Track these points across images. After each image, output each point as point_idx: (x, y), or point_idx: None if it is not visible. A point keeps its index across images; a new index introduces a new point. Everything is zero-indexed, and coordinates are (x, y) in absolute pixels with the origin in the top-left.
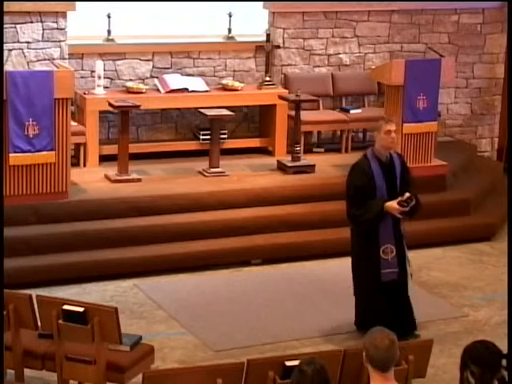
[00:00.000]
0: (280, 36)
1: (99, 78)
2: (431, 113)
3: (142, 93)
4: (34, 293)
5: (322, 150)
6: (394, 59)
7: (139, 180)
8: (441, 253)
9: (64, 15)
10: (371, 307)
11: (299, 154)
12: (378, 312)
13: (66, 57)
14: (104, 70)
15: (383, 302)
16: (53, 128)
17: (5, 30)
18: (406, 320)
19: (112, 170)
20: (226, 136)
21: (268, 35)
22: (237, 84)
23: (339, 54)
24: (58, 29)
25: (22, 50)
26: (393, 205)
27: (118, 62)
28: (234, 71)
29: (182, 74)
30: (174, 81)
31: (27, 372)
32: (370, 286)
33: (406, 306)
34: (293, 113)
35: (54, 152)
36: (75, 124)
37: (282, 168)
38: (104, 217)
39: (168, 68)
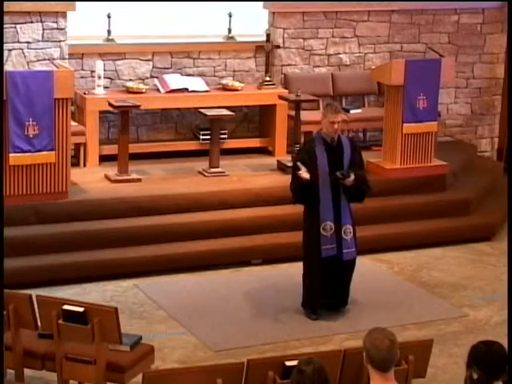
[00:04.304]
0: (280, 36)
1: (99, 78)
2: (431, 113)
3: (142, 93)
4: (33, 293)
5: None
6: (394, 59)
7: (139, 180)
8: (441, 253)
9: (64, 15)
10: (316, 285)
11: None
12: (320, 290)
13: (66, 57)
14: (104, 70)
15: (325, 279)
16: (53, 128)
17: (5, 30)
18: (340, 295)
19: (112, 170)
20: (225, 136)
21: (268, 35)
22: (237, 84)
23: (339, 54)
24: (58, 29)
25: (21, 50)
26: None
27: (118, 62)
28: (234, 71)
29: (182, 74)
30: (174, 81)
31: (27, 372)
32: (314, 263)
33: (344, 283)
34: (293, 113)
35: (54, 152)
36: (75, 124)
37: (281, 168)
38: (104, 217)
39: (168, 68)
